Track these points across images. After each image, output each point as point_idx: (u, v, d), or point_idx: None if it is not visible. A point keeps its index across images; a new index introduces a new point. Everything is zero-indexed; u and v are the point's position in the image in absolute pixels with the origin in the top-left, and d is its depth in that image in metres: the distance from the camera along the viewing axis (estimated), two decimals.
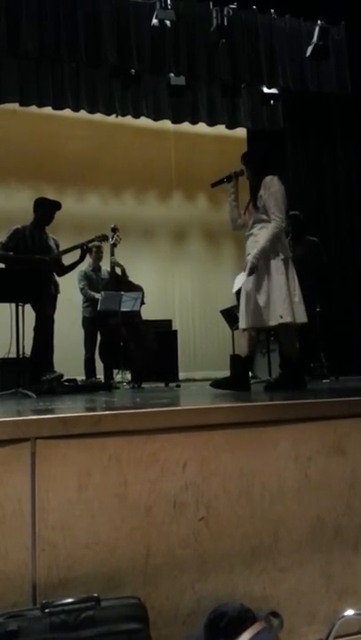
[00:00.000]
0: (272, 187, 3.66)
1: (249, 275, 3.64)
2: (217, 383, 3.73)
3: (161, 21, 6.38)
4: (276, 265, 3.63)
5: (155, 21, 6.40)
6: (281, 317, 3.55)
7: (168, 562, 1.80)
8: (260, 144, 3.98)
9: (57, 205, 4.96)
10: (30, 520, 1.70)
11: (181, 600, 1.80)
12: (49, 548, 1.70)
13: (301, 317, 3.66)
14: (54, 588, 1.68)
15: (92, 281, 6.33)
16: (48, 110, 7.27)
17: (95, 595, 1.60)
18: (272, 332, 5.44)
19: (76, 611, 1.55)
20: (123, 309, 5.81)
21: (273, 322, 3.59)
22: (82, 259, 5.07)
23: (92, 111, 7.38)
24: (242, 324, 3.75)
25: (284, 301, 3.56)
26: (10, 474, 1.69)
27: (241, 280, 3.79)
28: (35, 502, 1.70)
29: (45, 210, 4.92)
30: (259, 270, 3.63)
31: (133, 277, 6.30)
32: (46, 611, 1.54)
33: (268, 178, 3.69)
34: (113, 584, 1.73)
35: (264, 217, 3.67)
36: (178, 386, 6.02)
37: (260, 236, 3.67)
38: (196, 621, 1.76)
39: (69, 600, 1.57)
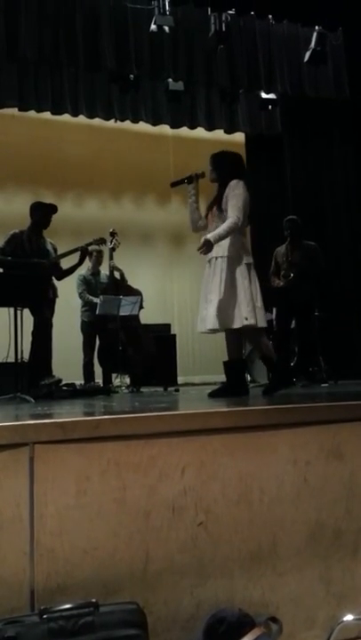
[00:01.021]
0: (237, 189, 3.69)
1: (204, 252, 3.64)
2: (214, 393, 3.71)
3: (159, 27, 6.41)
4: (240, 270, 3.64)
5: (153, 27, 6.43)
6: (246, 319, 3.57)
7: (167, 567, 1.80)
8: (231, 151, 3.96)
9: (53, 208, 4.97)
10: (28, 525, 1.69)
11: (180, 605, 1.80)
12: (47, 553, 1.69)
13: (262, 322, 3.69)
14: (52, 594, 1.67)
15: (90, 285, 6.33)
16: (47, 115, 7.29)
17: (94, 600, 1.59)
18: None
19: (75, 616, 1.55)
20: (121, 314, 5.80)
21: (238, 324, 3.59)
22: (81, 262, 5.07)
23: (90, 116, 7.40)
24: (202, 327, 3.73)
25: (248, 304, 3.58)
26: (8, 479, 1.69)
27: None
28: (33, 507, 1.70)
29: (42, 214, 4.92)
30: (220, 273, 3.62)
31: (132, 282, 6.30)
32: (44, 617, 1.54)
33: (234, 182, 3.71)
34: (111, 589, 1.72)
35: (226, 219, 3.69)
36: (177, 390, 6.01)
37: (224, 240, 3.67)
38: (195, 627, 1.75)
39: (68, 606, 1.57)
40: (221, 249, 3.66)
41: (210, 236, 3.65)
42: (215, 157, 3.90)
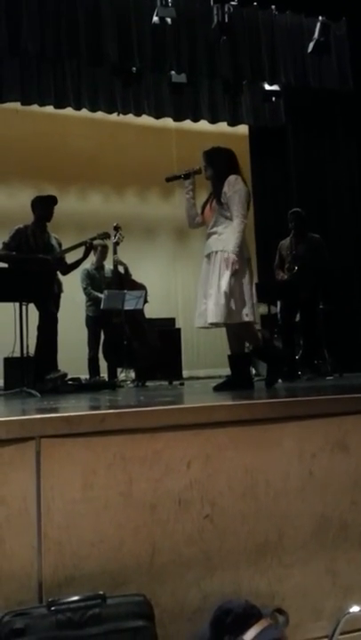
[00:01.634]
0: (236, 185, 3.68)
1: (232, 272, 3.60)
2: (219, 387, 3.72)
3: (162, 19, 6.37)
4: (240, 263, 3.63)
5: (155, 19, 6.39)
6: (246, 316, 3.58)
7: (173, 559, 1.81)
8: (224, 147, 3.94)
9: (53, 200, 4.96)
10: (36, 519, 1.70)
11: (187, 597, 1.81)
12: (54, 546, 1.71)
13: (257, 318, 3.75)
14: (60, 587, 1.69)
15: (94, 280, 6.33)
16: (50, 109, 7.27)
17: (101, 592, 1.60)
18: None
19: (82, 608, 1.56)
20: (126, 308, 5.81)
21: (237, 319, 3.59)
22: (85, 256, 5.07)
23: (93, 110, 7.37)
24: (200, 321, 3.73)
25: (248, 300, 3.59)
26: (15, 473, 1.70)
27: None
28: (40, 501, 1.71)
29: (43, 207, 4.91)
30: (220, 268, 3.63)
31: (136, 276, 6.30)
32: (52, 609, 1.55)
33: (233, 177, 3.71)
34: (118, 582, 1.74)
35: (227, 214, 3.68)
36: (182, 384, 6.02)
37: (224, 235, 3.68)
38: (202, 618, 1.76)
39: (75, 598, 1.58)
40: (221, 243, 3.66)
41: (233, 252, 3.57)
42: (209, 153, 3.88)
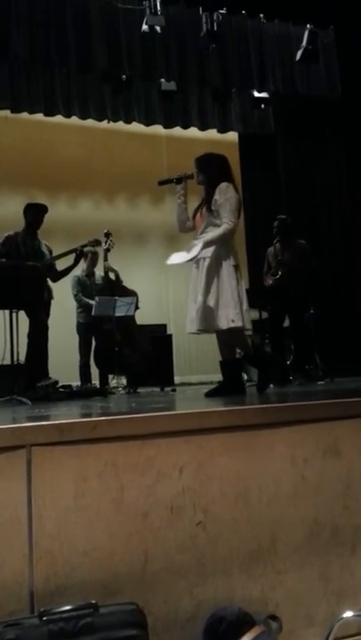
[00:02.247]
0: (228, 192, 3.70)
1: (191, 260, 3.67)
2: (211, 392, 3.72)
3: (151, 27, 6.40)
4: (228, 270, 3.65)
5: (145, 27, 6.42)
6: (233, 321, 3.57)
7: (166, 567, 1.80)
8: (216, 153, 3.96)
9: (42, 209, 4.96)
10: (27, 528, 1.69)
11: (180, 605, 1.80)
12: (46, 555, 1.69)
13: (248, 324, 3.70)
14: (52, 596, 1.67)
15: (85, 286, 6.32)
16: (39, 116, 7.29)
17: (93, 601, 1.59)
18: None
19: (75, 618, 1.55)
20: (117, 314, 5.80)
21: (224, 325, 3.59)
22: (76, 263, 5.07)
23: (83, 117, 7.40)
24: (190, 327, 3.74)
25: (235, 306, 3.58)
26: (6, 481, 1.69)
27: (179, 257, 3.81)
28: (31, 510, 1.70)
29: (32, 214, 4.92)
30: (207, 273, 3.64)
31: (127, 282, 6.30)
32: (44, 619, 1.53)
33: (225, 184, 3.72)
34: (111, 590, 1.72)
35: (217, 221, 3.69)
36: (173, 390, 6.01)
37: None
38: (195, 626, 1.75)
39: (67, 607, 1.57)
40: (209, 250, 3.67)
41: (205, 238, 3.66)
42: (201, 160, 3.90)
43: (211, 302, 3.58)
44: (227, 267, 3.65)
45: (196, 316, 3.65)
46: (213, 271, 3.64)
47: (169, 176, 4.04)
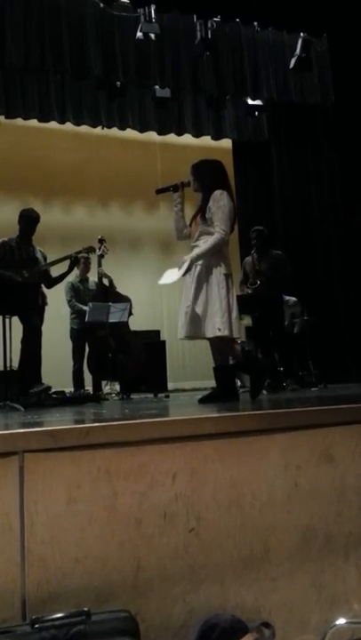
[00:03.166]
0: (221, 200, 3.68)
1: (184, 275, 3.69)
2: (205, 398, 3.72)
3: (145, 34, 6.44)
4: (218, 279, 3.64)
5: (139, 34, 6.46)
6: (219, 330, 3.55)
7: (159, 574, 1.79)
8: (212, 160, 3.97)
9: (35, 219, 4.93)
10: (19, 534, 1.68)
11: (172, 612, 1.79)
12: (38, 562, 1.68)
13: (235, 333, 3.68)
14: (44, 603, 1.66)
15: (78, 292, 6.32)
16: (34, 122, 7.30)
17: (85, 609, 1.58)
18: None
19: (67, 625, 1.54)
20: (111, 320, 5.80)
21: (210, 333, 3.59)
22: (70, 270, 5.07)
23: (77, 123, 7.41)
24: (180, 333, 3.74)
25: (223, 315, 3.56)
26: None
27: (170, 275, 3.83)
28: (23, 516, 1.69)
29: (26, 223, 4.91)
30: (198, 280, 3.65)
31: (121, 288, 6.30)
32: (36, 626, 1.52)
33: (218, 192, 3.70)
34: (103, 598, 1.72)
35: (210, 229, 3.69)
36: (167, 396, 6.01)
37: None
38: (188, 634, 1.74)
39: (59, 615, 1.56)
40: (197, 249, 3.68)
41: (190, 256, 3.68)
42: (197, 167, 3.89)
43: (199, 310, 3.58)
44: (217, 275, 3.64)
45: (185, 323, 3.65)
46: (203, 279, 3.64)
47: (166, 185, 4.03)
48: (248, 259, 6.03)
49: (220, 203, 3.67)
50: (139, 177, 8.52)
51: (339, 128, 7.93)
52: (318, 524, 2.02)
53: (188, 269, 3.68)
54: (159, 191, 4.09)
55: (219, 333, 3.56)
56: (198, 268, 3.66)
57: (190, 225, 3.90)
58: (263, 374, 3.91)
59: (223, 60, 7.04)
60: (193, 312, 3.59)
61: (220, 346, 3.77)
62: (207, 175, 3.82)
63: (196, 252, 3.68)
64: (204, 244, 3.67)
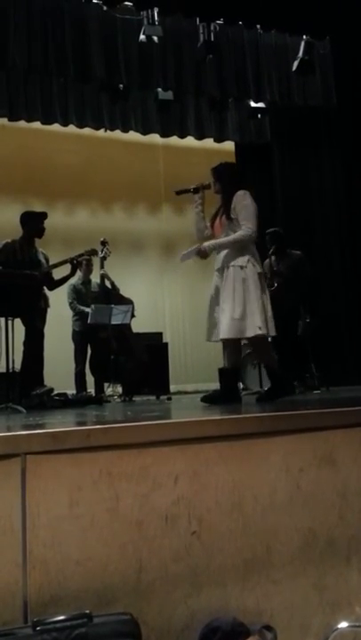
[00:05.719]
0: (245, 200, 3.76)
1: (196, 254, 3.79)
2: (207, 398, 3.73)
3: (148, 37, 6.45)
4: (253, 278, 3.68)
5: (142, 37, 6.47)
6: (259, 329, 3.59)
7: (160, 577, 1.79)
8: (230, 162, 4.02)
9: (43, 216, 4.97)
10: (21, 536, 1.68)
11: (174, 615, 1.79)
12: (40, 564, 1.68)
13: (273, 331, 3.73)
14: (46, 606, 1.66)
15: (80, 294, 6.32)
16: (37, 125, 7.31)
17: (87, 611, 1.58)
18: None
19: (68, 628, 1.54)
20: (113, 322, 5.80)
21: (251, 333, 3.60)
22: (72, 273, 5.07)
23: (80, 125, 7.42)
24: (213, 336, 3.75)
25: (261, 314, 3.61)
26: (0, 490, 1.68)
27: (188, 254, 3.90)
28: (25, 519, 1.69)
29: (35, 223, 4.92)
30: (233, 280, 3.66)
31: (123, 290, 6.30)
32: (38, 629, 1.52)
33: (241, 192, 3.78)
34: (105, 600, 1.71)
35: (237, 229, 3.74)
36: (169, 399, 6.01)
37: (235, 249, 3.73)
38: (190, 637, 1.74)
39: (61, 617, 1.56)
40: (234, 258, 3.70)
41: (211, 242, 3.74)
42: (217, 169, 3.96)
43: (238, 310, 3.60)
44: (252, 274, 3.68)
45: (221, 324, 3.66)
46: (239, 279, 3.66)
47: (186, 186, 4.07)
48: (266, 261, 5.96)
49: (244, 202, 3.74)
50: (141, 179, 8.54)
51: (341, 130, 7.94)
52: (320, 528, 2.02)
53: (205, 255, 3.72)
54: (179, 192, 4.12)
55: (260, 332, 3.60)
56: (231, 269, 3.69)
57: (212, 225, 3.94)
58: (284, 384, 3.90)
59: (226, 63, 7.04)
60: (233, 314, 3.61)
61: (258, 345, 3.80)
62: (229, 177, 3.88)
63: (217, 241, 3.72)
64: (230, 237, 3.71)
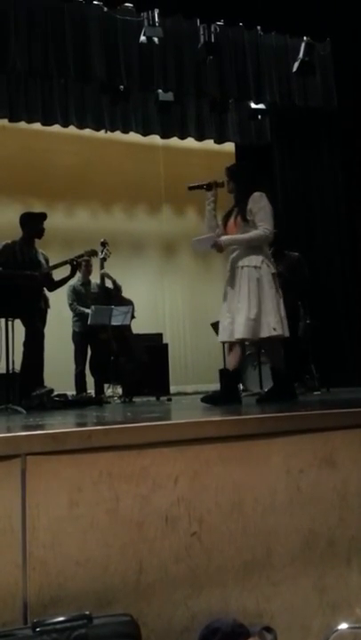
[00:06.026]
0: (261, 201, 3.76)
1: (212, 247, 3.80)
2: (207, 398, 3.73)
3: (149, 38, 6.45)
4: (268, 278, 3.69)
5: (143, 38, 6.47)
6: (274, 330, 3.60)
7: (160, 578, 1.79)
8: (246, 161, 4.01)
9: (43, 217, 4.97)
10: (21, 537, 1.68)
11: (174, 616, 1.79)
12: (40, 565, 1.68)
13: (287, 332, 3.74)
14: (45, 607, 1.66)
15: (80, 295, 6.32)
16: (37, 126, 7.31)
17: (87, 612, 1.58)
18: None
19: (68, 629, 1.54)
20: (113, 323, 5.80)
21: (265, 333, 3.61)
22: (72, 274, 5.07)
23: (81, 127, 7.43)
24: (227, 336, 3.75)
25: (276, 314, 3.62)
26: (0, 490, 1.68)
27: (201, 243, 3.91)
28: (25, 519, 1.69)
29: (34, 224, 4.92)
30: (248, 281, 3.66)
31: (124, 291, 6.30)
32: (37, 630, 1.52)
33: (258, 194, 3.78)
34: (105, 601, 1.71)
35: (253, 230, 3.73)
36: (169, 400, 6.01)
37: (249, 250, 3.73)
38: (190, 638, 1.74)
39: (61, 618, 1.56)
40: (248, 259, 3.71)
41: (227, 237, 3.75)
42: (231, 169, 3.97)
43: (254, 311, 3.61)
44: (266, 275, 3.69)
45: (233, 325, 3.66)
46: (254, 280, 3.67)
47: (199, 182, 4.04)
48: None
49: (260, 204, 3.74)
50: (142, 180, 8.54)
51: (341, 131, 7.93)
52: (320, 529, 2.02)
53: (221, 249, 3.76)
54: (192, 187, 4.09)
55: (274, 333, 3.61)
56: (246, 269, 3.70)
57: (224, 224, 3.93)
58: (287, 387, 3.90)
59: (226, 64, 7.05)
60: (248, 313, 3.61)
61: (270, 346, 3.80)
62: (244, 177, 3.89)
63: (235, 237, 3.72)
64: (247, 234, 3.71)
